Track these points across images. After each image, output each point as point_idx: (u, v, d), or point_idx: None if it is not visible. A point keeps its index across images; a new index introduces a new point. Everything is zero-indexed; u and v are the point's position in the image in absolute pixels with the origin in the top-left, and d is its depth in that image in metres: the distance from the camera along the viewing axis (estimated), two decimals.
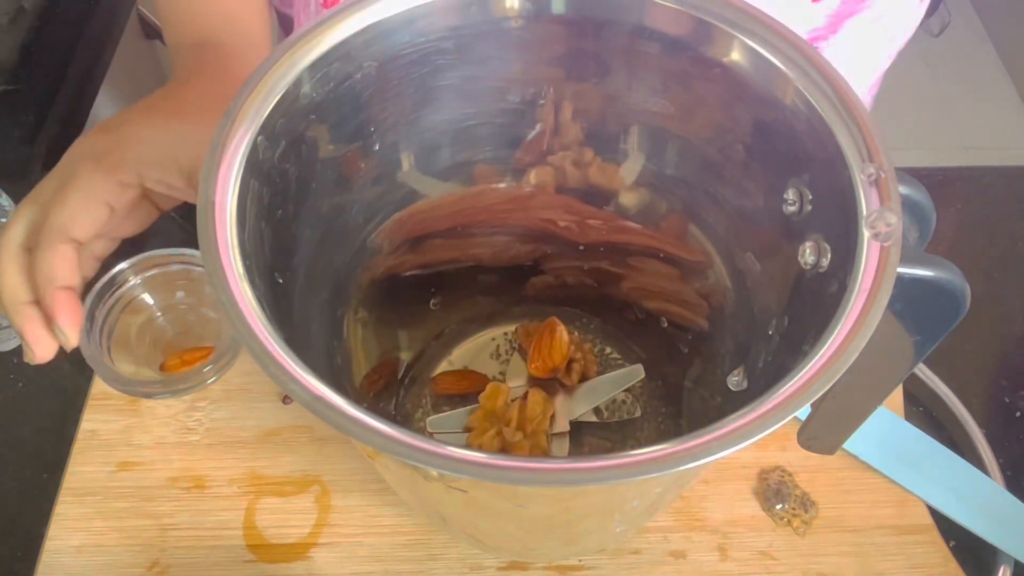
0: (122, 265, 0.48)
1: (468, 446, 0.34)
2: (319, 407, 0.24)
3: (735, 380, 0.37)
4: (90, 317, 0.47)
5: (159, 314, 0.50)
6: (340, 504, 0.46)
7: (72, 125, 0.68)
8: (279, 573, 0.44)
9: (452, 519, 0.38)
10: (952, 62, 1.74)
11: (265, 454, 0.47)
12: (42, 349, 0.35)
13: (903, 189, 0.28)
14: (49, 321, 0.35)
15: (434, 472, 0.24)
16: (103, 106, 0.75)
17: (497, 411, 0.45)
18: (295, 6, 0.60)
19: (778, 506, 0.45)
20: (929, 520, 0.45)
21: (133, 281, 0.49)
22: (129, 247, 0.55)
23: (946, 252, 0.52)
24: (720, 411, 0.37)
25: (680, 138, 0.38)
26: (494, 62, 0.37)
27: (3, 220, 0.47)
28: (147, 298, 0.50)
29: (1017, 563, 0.44)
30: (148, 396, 0.47)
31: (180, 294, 0.50)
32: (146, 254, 0.49)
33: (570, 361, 0.47)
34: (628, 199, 0.42)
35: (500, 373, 0.49)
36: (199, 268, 0.48)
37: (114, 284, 0.48)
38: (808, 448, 0.38)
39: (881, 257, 0.26)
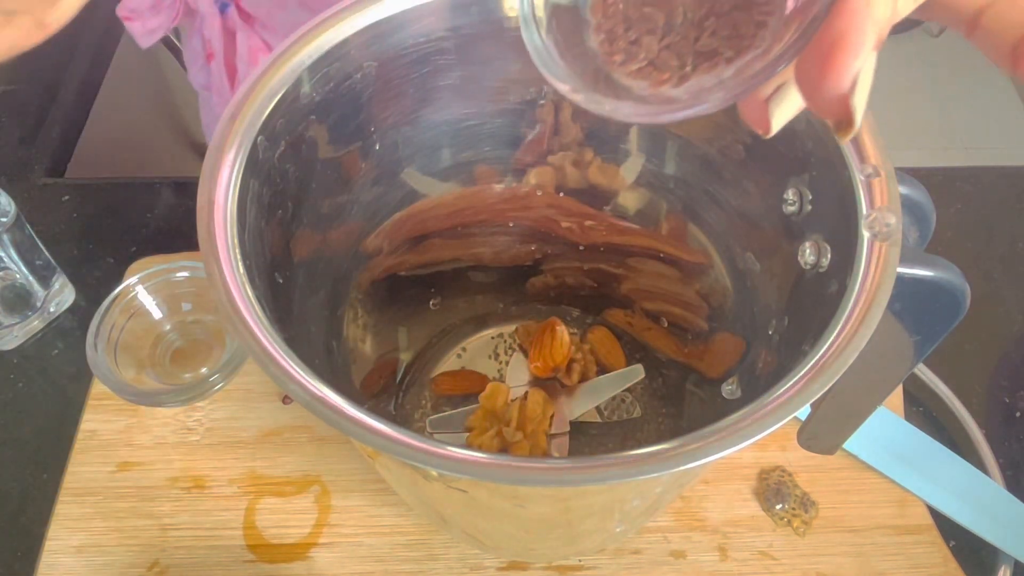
0: (130, 280, 0.49)
1: (468, 446, 0.34)
2: (319, 407, 0.24)
3: (729, 389, 0.37)
4: (96, 329, 0.47)
5: (167, 326, 0.51)
6: (340, 504, 0.46)
7: (72, 125, 0.68)
8: (279, 573, 0.44)
9: (452, 519, 0.38)
10: (952, 62, 1.74)
11: (265, 454, 0.47)
12: None
13: (903, 189, 0.28)
14: None
15: (434, 472, 0.24)
16: (103, 106, 0.75)
17: (497, 411, 0.45)
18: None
19: (778, 506, 0.45)
20: (929, 520, 0.45)
21: (139, 292, 0.49)
22: (130, 251, 0.56)
23: (946, 252, 0.52)
24: (720, 411, 0.37)
25: (680, 138, 0.38)
26: (494, 62, 0.37)
27: (3, 220, 0.47)
28: (154, 309, 0.50)
29: (1017, 563, 0.44)
30: (159, 404, 0.47)
31: (187, 305, 0.51)
32: (152, 268, 0.49)
33: (570, 361, 0.47)
34: (628, 199, 0.42)
35: (500, 373, 0.49)
36: (203, 274, 0.49)
37: (120, 296, 0.48)
38: (808, 448, 0.38)
39: (881, 257, 0.26)
